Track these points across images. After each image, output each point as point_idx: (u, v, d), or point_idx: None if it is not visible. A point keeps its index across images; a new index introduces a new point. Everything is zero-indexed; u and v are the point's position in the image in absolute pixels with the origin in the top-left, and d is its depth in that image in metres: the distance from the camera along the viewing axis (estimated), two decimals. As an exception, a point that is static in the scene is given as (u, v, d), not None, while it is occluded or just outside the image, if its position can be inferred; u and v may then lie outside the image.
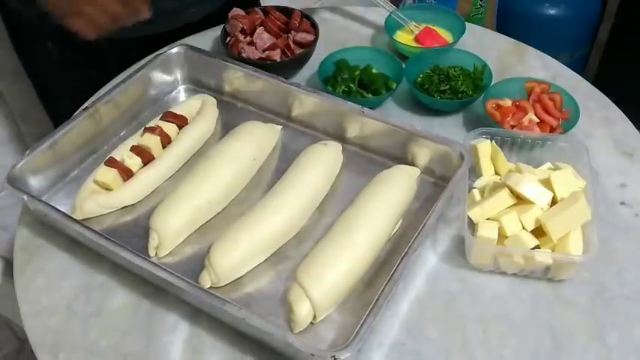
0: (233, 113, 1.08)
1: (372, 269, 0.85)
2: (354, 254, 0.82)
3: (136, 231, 0.91)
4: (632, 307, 0.83)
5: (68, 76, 0.94)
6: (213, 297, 0.77)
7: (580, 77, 1.17)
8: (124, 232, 0.91)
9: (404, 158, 0.98)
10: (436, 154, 0.95)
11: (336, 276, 0.80)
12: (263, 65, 1.09)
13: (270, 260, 0.87)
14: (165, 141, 0.99)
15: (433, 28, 1.23)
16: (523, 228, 0.86)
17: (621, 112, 1.10)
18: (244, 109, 1.09)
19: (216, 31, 1.24)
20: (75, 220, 0.86)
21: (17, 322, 1.22)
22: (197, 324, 0.82)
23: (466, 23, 1.21)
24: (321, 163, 0.94)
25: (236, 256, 0.83)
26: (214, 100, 1.07)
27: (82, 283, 0.87)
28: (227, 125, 1.04)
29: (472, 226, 0.87)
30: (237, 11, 1.17)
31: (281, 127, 1.04)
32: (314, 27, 1.17)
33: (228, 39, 1.16)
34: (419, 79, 1.11)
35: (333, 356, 0.70)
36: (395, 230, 0.89)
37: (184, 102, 1.08)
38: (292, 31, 1.16)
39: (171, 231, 0.87)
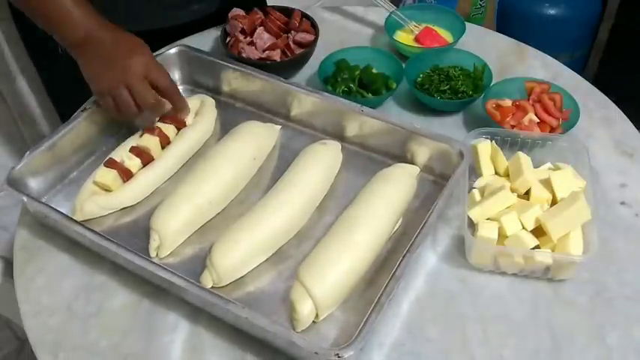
0: (232, 113, 1.08)
1: (373, 268, 0.85)
2: (356, 253, 0.82)
3: (136, 232, 0.91)
4: (632, 307, 0.83)
5: (76, 72, 0.95)
6: (217, 297, 0.77)
7: (580, 77, 1.17)
8: (124, 233, 0.91)
9: (403, 157, 0.98)
10: (435, 152, 0.95)
11: (338, 274, 0.80)
12: (263, 65, 1.09)
13: (271, 260, 0.87)
14: (165, 142, 0.99)
15: (433, 28, 1.23)
16: (523, 228, 0.86)
17: (621, 112, 1.10)
18: (243, 109, 1.09)
19: (216, 31, 1.24)
20: (75, 222, 0.86)
21: (17, 322, 1.22)
22: (197, 324, 0.82)
23: (466, 23, 1.21)
24: (321, 163, 0.94)
25: (237, 256, 0.83)
26: (213, 101, 1.07)
27: (82, 283, 0.87)
28: (226, 125, 1.04)
29: (472, 226, 0.87)
30: (237, 11, 1.17)
31: (280, 126, 1.04)
32: (314, 27, 1.17)
33: (228, 39, 1.16)
34: (419, 79, 1.11)
35: (337, 354, 0.70)
36: (395, 229, 0.89)
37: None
38: (292, 31, 1.16)
39: (172, 231, 0.87)
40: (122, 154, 0.96)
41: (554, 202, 0.89)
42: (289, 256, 0.88)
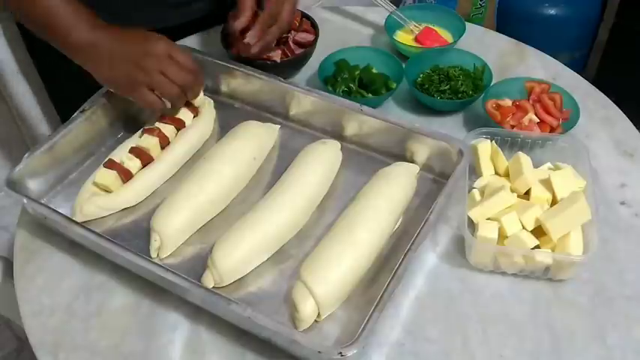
0: (230, 113, 1.08)
1: (374, 266, 0.85)
2: (357, 251, 0.82)
3: (137, 232, 0.90)
4: (632, 307, 0.83)
5: (77, 70, 0.94)
6: (220, 297, 0.77)
7: (580, 77, 1.17)
8: (125, 233, 0.91)
9: (402, 155, 0.98)
10: (435, 150, 0.95)
11: (340, 273, 0.80)
12: (263, 65, 1.09)
13: (272, 259, 0.87)
14: (164, 142, 0.99)
15: (433, 28, 1.23)
16: (523, 228, 0.86)
17: (621, 112, 1.10)
18: (241, 110, 1.09)
19: (216, 32, 1.24)
20: (76, 223, 0.86)
21: (17, 322, 1.22)
22: (197, 324, 0.82)
23: (466, 23, 1.21)
24: (321, 162, 0.95)
25: (239, 256, 0.83)
26: (211, 101, 1.07)
27: (82, 283, 0.87)
28: (225, 126, 1.04)
29: (472, 226, 0.87)
30: (237, 11, 1.16)
31: (279, 126, 1.04)
32: (314, 27, 1.17)
33: (228, 39, 1.16)
34: (419, 79, 1.11)
35: (340, 352, 0.70)
36: (396, 227, 0.89)
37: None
38: (292, 31, 1.16)
39: (173, 231, 0.87)
40: (122, 154, 0.96)
41: (554, 202, 0.89)
42: (290, 255, 0.88)
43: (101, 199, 0.92)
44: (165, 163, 0.97)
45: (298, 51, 1.14)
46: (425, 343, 0.80)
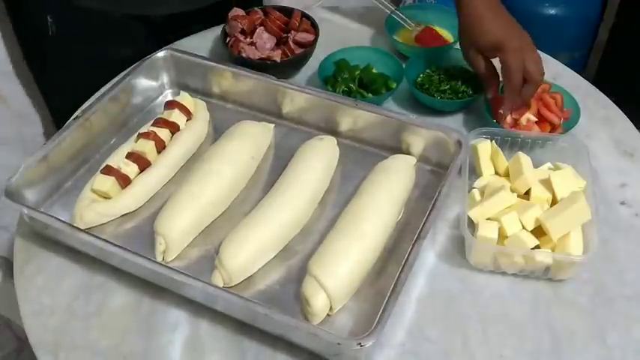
0: (224, 114, 1.08)
1: (380, 258, 0.86)
2: (364, 244, 0.83)
3: (139, 237, 0.90)
4: (632, 307, 0.83)
5: (67, 59, 0.93)
6: (236, 296, 0.77)
7: (580, 77, 1.17)
8: (127, 239, 0.89)
9: (398, 148, 0.99)
10: (430, 141, 0.96)
11: (349, 266, 0.81)
12: (263, 66, 1.09)
13: (279, 257, 0.87)
14: (160, 146, 0.98)
15: (433, 28, 1.23)
16: (523, 228, 0.86)
17: (621, 112, 1.10)
18: (234, 110, 1.09)
19: (215, 32, 1.24)
20: (81, 231, 0.85)
21: (17, 322, 1.22)
22: (197, 324, 0.82)
23: (466, 23, 1.21)
24: (320, 158, 0.95)
25: (246, 255, 0.84)
26: (204, 103, 1.07)
27: (82, 283, 0.87)
28: (218, 127, 1.04)
29: (472, 226, 0.87)
30: (237, 11, 1.17)
31: (273, 125, 1.04)
32: (314, 27, 1.17)
33: (228, 39, 1.16)
34: (419, 79, 1.11)
35: (359, 343, 0.70)
36: (398, 219, 0.90)
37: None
38: (292, 31, 1.16)
39: (178, 234, 0.87)
40: (118, 160, 0.95)
41: (554, 202, 0.89)
42: (296, 252, 0.88)
43: (101, 205, 0.91)
44: (163, 167, 0.97)
45: (298, 51, 1.14)
46: (425, 343, 0.80)
